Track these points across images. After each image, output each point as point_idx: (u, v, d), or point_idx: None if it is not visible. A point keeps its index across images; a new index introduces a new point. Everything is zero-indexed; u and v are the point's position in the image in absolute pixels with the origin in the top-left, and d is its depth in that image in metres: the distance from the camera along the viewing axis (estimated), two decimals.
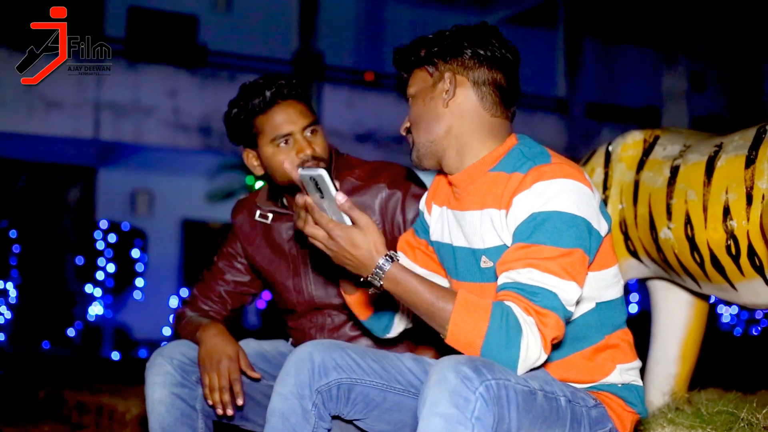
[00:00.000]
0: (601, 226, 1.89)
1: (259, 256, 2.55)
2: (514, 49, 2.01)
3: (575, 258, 1.80)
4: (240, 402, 2.28)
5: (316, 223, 1.85)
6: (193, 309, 2.59)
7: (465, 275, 2.02)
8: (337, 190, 1.80)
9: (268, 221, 2.54)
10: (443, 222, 2.09)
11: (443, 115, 1.97)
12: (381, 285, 1.81)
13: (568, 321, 1.85)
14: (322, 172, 1.78)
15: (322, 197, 1.82)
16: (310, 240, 1.88)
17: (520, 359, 1.74)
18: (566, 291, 1.78)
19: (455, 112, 1.97)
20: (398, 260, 1.82)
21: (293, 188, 2.43)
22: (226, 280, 2.61)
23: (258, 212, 2.56)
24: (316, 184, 1.80)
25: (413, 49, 2.02)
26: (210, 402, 2.29)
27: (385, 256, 1.81)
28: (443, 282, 2.13)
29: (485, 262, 1.95)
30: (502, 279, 1.82)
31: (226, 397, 2.27)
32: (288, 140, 2.39)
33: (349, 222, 1.83)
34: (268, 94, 2.38)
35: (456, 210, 2.04)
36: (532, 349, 1.74)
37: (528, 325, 1.74)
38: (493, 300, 1.81)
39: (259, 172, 2.47)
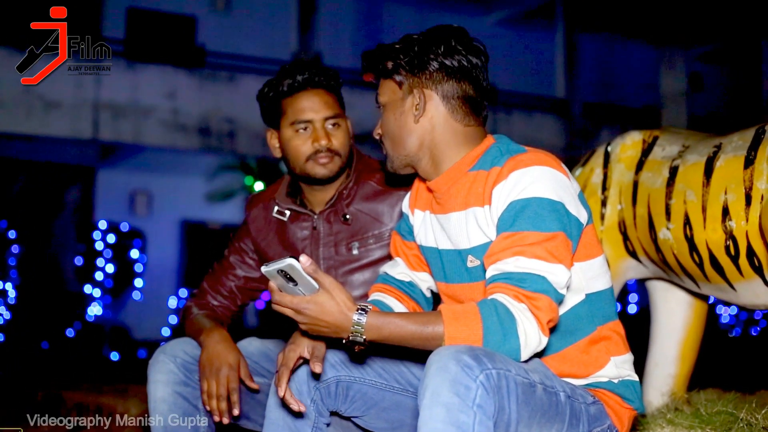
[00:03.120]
0: (581, 214, 1.90)
1: (271, 251, 2.54)
2: (481, 50, 1.99)
3: (559, 241, 1.81)
4: (236, 412, 2.26)
5: (281, 305, 1.81)
6: (201, 303, 2.56)
7: (453, 277, 2.03)
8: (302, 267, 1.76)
9: (285, 218, 2.53)
10: (427, 226, 2.10)
11: (414, 130, 1.99)
12: (365, 339, 1.78)
13: (559, 305, 1.85)
14: (291, 261, 1.74)
15: (296, 284, 1.78)
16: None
17: (521, 347, 1.75)
18: (555, 274, 1.79)
19: (426, 127, 1.98)
20: (371, 309, 1.79)
21: (310, 179, 2.45)
22: (236, 275, 2.59)
23: (276, 208, 2.54)
24: (285, 274, 1.76)
25: (379, 58, 2.01)
26: (207, 408, 2.28)
27: (358, 310, 1.78)
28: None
29: (471, 261, 1.96)
30: (491, 271, 1.83)
31: (223, 405, 2.25)
32: (307, 127, 2.41)
33: (316, 286, 1.78)
34: (299, 78, 2.40)
35: (439, 214, 2.04)
36: (530, 335, 1.75)
37: (520, 311, 1.75)
38: (485, 295, 1.82)
39: (278, 154, 2.50)
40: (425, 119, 1.97)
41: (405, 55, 1.97)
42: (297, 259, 1.76)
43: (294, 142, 2.41)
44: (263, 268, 1.77)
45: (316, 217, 2.49)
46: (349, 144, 2.47)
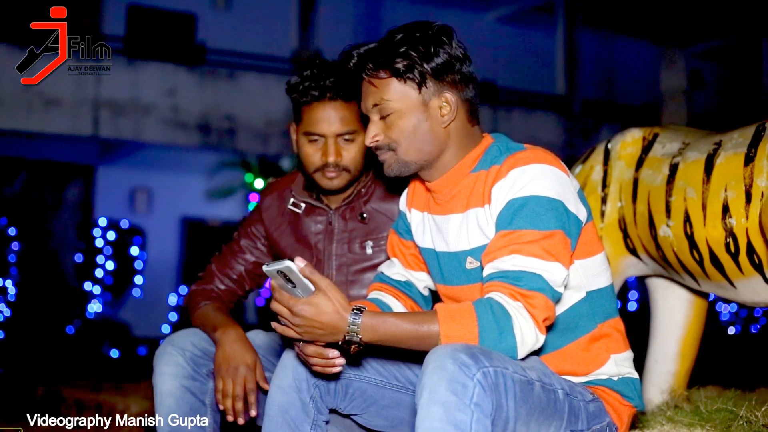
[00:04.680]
0: (580, 211, 1.90)
1: (282, 242, 2.52)
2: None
3: (557, 239, 1.81)
4: (253, 413, 2.24)
5: (279, 302, 1.79)
6: (207, 289, 2.53)
7: (451, 279, 2.02)
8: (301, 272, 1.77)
9: (300, 211, 2.51)
10: (425, 227, 2.08)
11: (440, 134, 1.94)
12: (360, 339, 1.77)
13: (557, 303, 1.85)
14: (289, 264, 1.74)
15: (294, 286, 1.78)
16: (279, 330, 1.83)
17: (518, 345, 1.75)
18: (551, 272, 1.79)
19: (450, 130, 1.95)
20: (366, 309, 1.78)
21: (318, 187, 2.43)
22: (246, 260, 2.57)
23: (291, 200, 2.52)
24: (285, 275, 1.77)
25: (386, 59, 1.91)
26: (221, 407, 2.26)
27: (353, 310, 1.77)
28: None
29: (471, 263, 1.95)
30: (488, 270, 1.83)
31: (239, 405, 2.23)
32: (318, 140, 2.35)
33: (313, 289, 1.78)
34: (316, 90, 2.32)
35: (437, 215, 2.03)
36: (526, 333, 1.75)
37: (516, 309, 1.75)
38: (482, 294, 1.82)
39: (295, 149, 2.45)
40: (453, 124, 1.94)
41: (418, 54, 1.90)
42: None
43: (305, 149, 2.37)
44: (264, 268, 1.77)
45: (331, 212, 2.47)
46: (363, 157, 2.39)
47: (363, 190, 2.45)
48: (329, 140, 2.34)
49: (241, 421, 2.24)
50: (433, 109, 1.93)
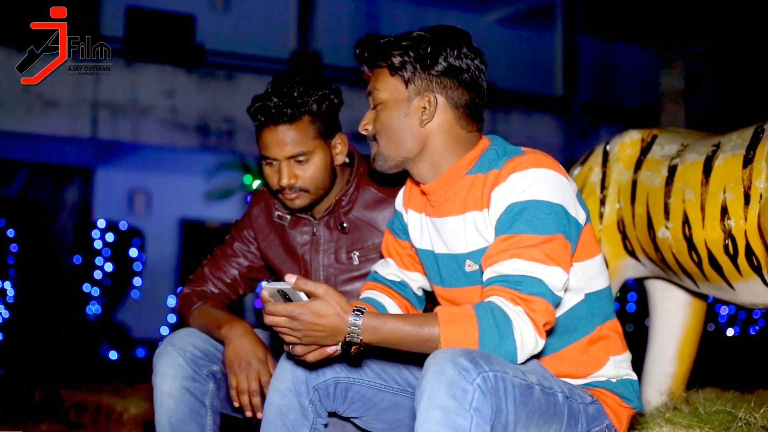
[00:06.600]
0: (579, 214, 1.90)
1: (271, 252, 2.51)
2: (483, 59, 1.98)
3: (557, 244, 1.80)
4: None
5: (275, 314, 1.78)
6: (200, 291, 2.51)
7: (450, 281, 2.01)
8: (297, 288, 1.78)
9: (286, 223, 2.50)
10: (422, 229, 2.08)
11: (418, 134, 1.95)
12: (361, 340, 1.77)
13: (557, 307, 1.84)
14: (285, 285, 1.76)
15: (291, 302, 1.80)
16: (280, 335, 1.82)
17: (518, 349, 1.75)
18: (552, 276, 1.78)
19: (431, 131, 1.95)
20: (367, 310, 1.78)
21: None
22: (240, 264, 2.55)
23: (276, 213, 2.51)
24: (285, 294, 1.78)
25: (385, 51, 1.95)
26: (237, 404, 2.24)
27: (354, 312, 1.77)
28: None
29: (470, 266, 1.95)
30: (488, 274, 1.82)
31: (257, 400, 2.22)
32: (274, 163, 2.35)
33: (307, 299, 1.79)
34: (262, 114, 2.31)
35: (434, 217, 2.02)
36: (526, 337, 1.75)
37: (516, 314, 1.74)
38: (482, 297, 1.82)
39: None
40: (432, 124, 1.94)
41: (416, 54, 1.92)
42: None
43: (265, 171, 2.37)
44: (264, 284, 1.79)
45: (315, 222, 2.46)
46: (325, 173, 2.37)
47: (344, 198, 2.43)
48: (282, 164, 2.33)
49: (260, 415, 2.21)
50: (415, 108, 1.94)
